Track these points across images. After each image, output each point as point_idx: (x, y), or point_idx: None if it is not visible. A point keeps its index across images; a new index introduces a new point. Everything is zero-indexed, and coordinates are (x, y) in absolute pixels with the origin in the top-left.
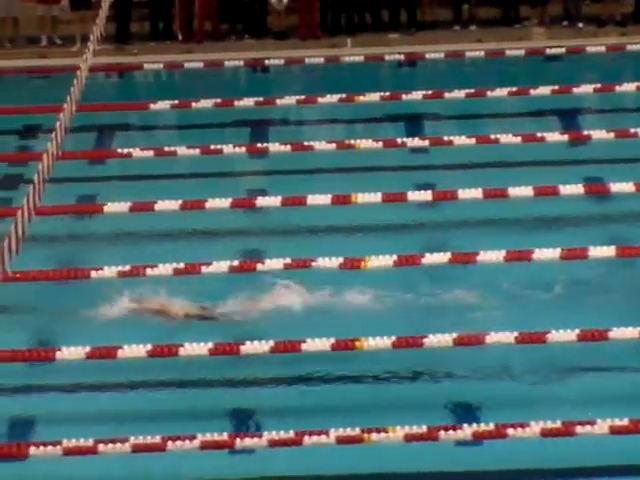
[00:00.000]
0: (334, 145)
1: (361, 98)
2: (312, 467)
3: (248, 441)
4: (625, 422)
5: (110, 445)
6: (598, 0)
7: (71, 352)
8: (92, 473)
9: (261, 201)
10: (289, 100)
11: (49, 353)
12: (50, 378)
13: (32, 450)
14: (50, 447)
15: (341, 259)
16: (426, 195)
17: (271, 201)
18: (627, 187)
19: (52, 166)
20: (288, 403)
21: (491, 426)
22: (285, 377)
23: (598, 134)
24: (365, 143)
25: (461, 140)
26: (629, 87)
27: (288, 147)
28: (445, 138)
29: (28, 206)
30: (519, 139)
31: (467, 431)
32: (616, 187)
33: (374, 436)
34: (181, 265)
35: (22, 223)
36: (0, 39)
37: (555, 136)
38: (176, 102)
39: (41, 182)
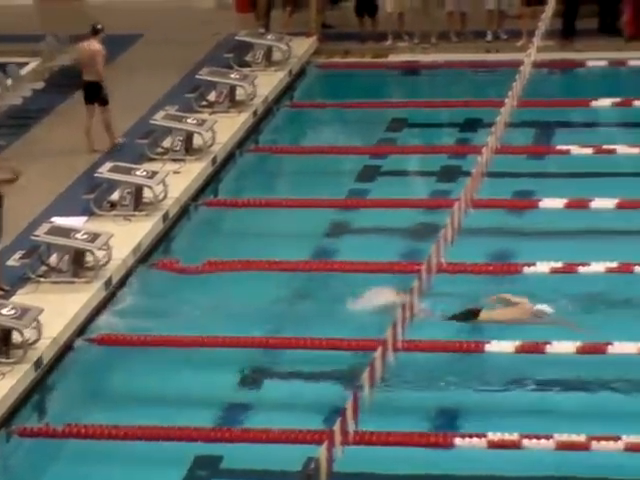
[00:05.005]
0: None
1: None
2: None
3: None
4: None
5: (534, 440)
6: None
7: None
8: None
9: None
10: None
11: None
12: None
13: (457, 441)
14: (475, 439)
15: None
16: None
17: None
18: None
19: (490, 160)
20: None
21: None
22: None
23: None
24: None
25: None
26: None
27: None
28: None
29: (465, 198)
30: None
31: None
32: None
33: None
34: (614, 264)
35: (458, 215)
36: (448, 33)
37: None
38: (618, 100)
39: (479, 175)
